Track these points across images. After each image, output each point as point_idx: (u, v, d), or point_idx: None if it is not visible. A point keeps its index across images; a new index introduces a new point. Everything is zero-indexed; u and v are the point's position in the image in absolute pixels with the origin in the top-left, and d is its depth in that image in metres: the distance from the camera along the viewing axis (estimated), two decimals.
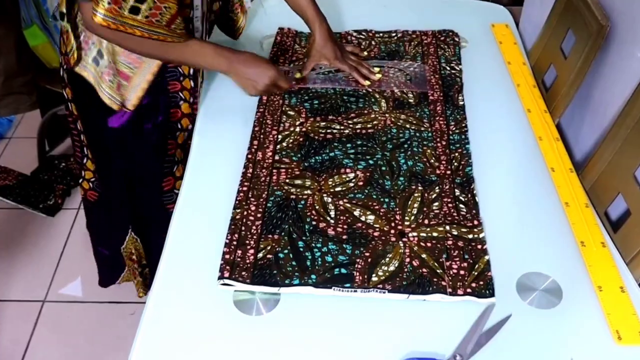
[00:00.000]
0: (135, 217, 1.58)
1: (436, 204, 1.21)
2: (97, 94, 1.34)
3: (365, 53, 1.62)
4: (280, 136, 1.37)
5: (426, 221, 1.17)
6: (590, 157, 1.28)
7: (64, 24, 1.26)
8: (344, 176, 1.27)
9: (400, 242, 1.13)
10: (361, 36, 1.70)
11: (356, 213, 1.19)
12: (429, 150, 1.33)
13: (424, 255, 1.11)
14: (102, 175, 1.56)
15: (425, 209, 1.20)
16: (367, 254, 1.11)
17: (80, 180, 1.61)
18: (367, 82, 1.50)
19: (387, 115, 1.43)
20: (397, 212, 1.19)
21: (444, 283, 1.06)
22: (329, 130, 1.38)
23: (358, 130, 1.39)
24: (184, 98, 1.42)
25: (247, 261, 1.10)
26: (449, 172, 1.28)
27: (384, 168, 1.29)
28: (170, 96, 1.40)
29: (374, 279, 1.07)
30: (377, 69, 1.54)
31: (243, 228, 1.16)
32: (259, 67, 1.34)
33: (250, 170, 1.28)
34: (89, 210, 1.69)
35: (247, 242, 1.14)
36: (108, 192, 1.59)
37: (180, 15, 1.18)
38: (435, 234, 1.15)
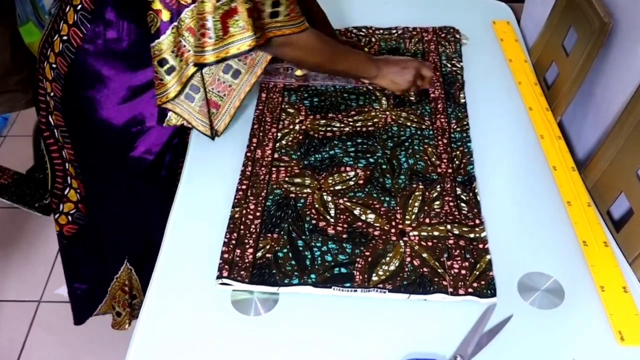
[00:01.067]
0: (133, 245, 1.55)
1: (437, 202, 1.21)
2: (103, 124, 1.31)
3: (366, 50, 1.62)
4: (279, 134, 1.37)
5: (427, 220, 1.17)
6: (593, 155, 1.28)
7: (162, 71, 1.20)
8: (344, 175, 1.27)
9: (400, 242, 1.13)
10: (361, 33, 1.70)
11: (356, 212, 1.19)
12: (430, 149, 1.33)
13: (424, 255, 1.11)
14: (91, 206, 1.52)
15: (426, 207, 1.20)
16: (368, 253, 1.11)
17: (57, 216, 1.55)
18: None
19: (387, 113, 1.43)
20: (398, 211, 1.19)
21: (445, 283, 1.06)
22: (328, 128, 1.38)
23: (358, 128, 1.39)
24: None
25: (246, 260, 1.10)
26: (450, 170, 1.28)
27: (384, 166, 1.29)
28: None
29: (374, 278, 1.07)
30: None
31: (242, 227, 1.16)
32: (400, 62, 1.44)
33: (249, 168, 1.28)
34: (66, 246, 1.62)
35: (246, 241, 1.14)
36: (98, 223, 1.55)
37: None
38: (436, 233, 1.15)
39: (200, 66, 1.17)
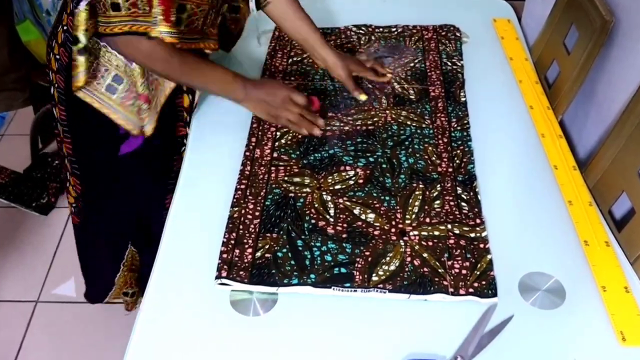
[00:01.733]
0: (134, 233, 1.58)
1: (438, 202, 1.21)
2: (102, 121, 1.31)
3: (364, 56, 1.62)
4: (278, 133, 1.37)
5: (427, 220, 1.17)
6: (594, 154, 1.28)
7: (74, 48, 1.20)
8: (343, 174, 1.27)
9: (401, 241, 1.14)
10: (361, 31, 1.70)
11: (356, 211, 1.19)
12: (430, 148, 1.33)
13: (425, 255, 1.11)
14: (89, 200, 1.53)
15: (426, 207, 1.20)
16: (367, 253, 1.11)
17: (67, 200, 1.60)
18: (386, 78, 1.51)
19: (387, 111, 1.43)
20: (398, 211, 1.19)
21: (445, 283, 1.06)
22: (328, 127, 1.38)
23: (358, 127, 1.39)
24: (186, 112, 1.42)
25: (245, 260, 1.10)
26: (450, 169, 1.28)
27: (384, 166, 1.29)
28: (177, 110, 1.41)
29: (374, 278, 1.07)
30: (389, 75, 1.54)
31: (241, 227, 1.16)
32: (270, 86, 1.36)
33: (248, 167, 1.28)
34: (77, 230, 1.66)
35: (245, 241, 1.14)
36: (98, 216, 1.57)
37: (210, 12, 1.19)
38: (436, 233, 1.15)
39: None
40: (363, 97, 1.43)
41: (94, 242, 1.64)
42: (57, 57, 1.27)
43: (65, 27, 1.23)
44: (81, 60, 1.21)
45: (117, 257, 1.63)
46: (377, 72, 1.52)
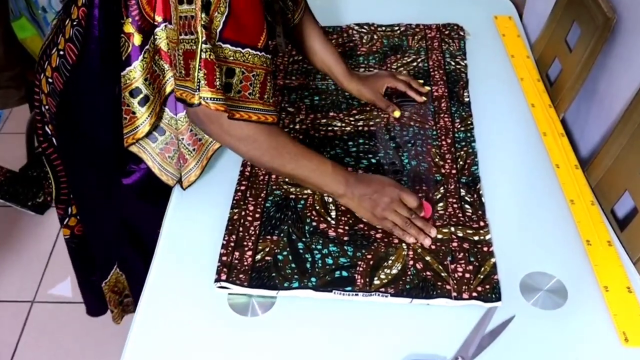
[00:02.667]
0: (122, 256, 1.52)
1: (441, 204, 1.21)
2: (99, 149, 1.27)
3: (367, 47, 1.63)
4: None
5: (430, 222, 1.18)
6: (597, 153, 1.29)
7: (134, 101, 1.12)
8: None
9: (403, 244, 1.14)
10: (363, 30, 1.70)
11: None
12: (433, 149, 1.33)
13: (427, 258, 1.11)
14: (84, 220, 1.50)
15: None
16: (369, 257, 1.12)
17: (66, 221, 1.52)
18: (423, 98, 1.47)
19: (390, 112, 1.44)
20: None
21: (448, 287, 1.07)
22: (329, 128, 1.38)
23: (360, 128, 1.39)
24: None
25: (245, 263, 1.11)
26: (454, 171, 1.28)
27: (386, 167, 1.29)
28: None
29: (376, 282, 1.08)
30: (420, 81, 1.51)
31: (241, 229, 1.17)
32: (377, 183, 1.19)
33: (248, 168, 1.29)
34: (79, 245, 1.58)
35: (245, 243, 1.14)
36: (88, 235, 1.53)
37: (268, 78, 1.05)
38: (439, 236, 1.15)
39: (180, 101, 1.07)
40: (397, 114, 1.41)
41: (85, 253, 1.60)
42: (50, 80, 1.23)
43: (61, 52, 1.18)
44: (142, 110, 1.13)
45: (103, 275, 1.61)
46: (411, 86, 1.48)
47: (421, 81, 1.51)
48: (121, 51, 1.08)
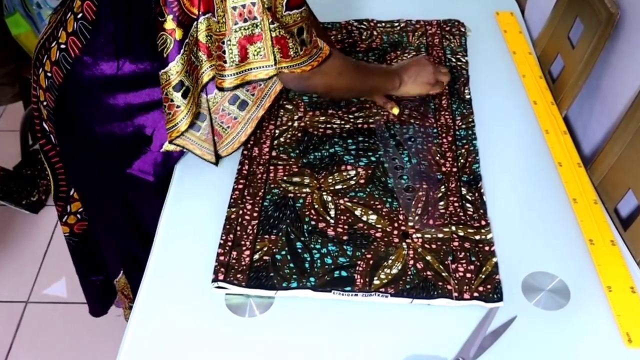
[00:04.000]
0: (126, 260, 1.53)
1: (442, 203, 1.21)
2: (95, 143, 1.28)
3: (367, 44, 1.63)
4: (277, 131, 1.37)
5: (431, 221, 1.18)
6: (600, 151, 1.28)
7: (178, 94, 1.14)
8: (344, 174, 1.27)
9: (403, 244, 1.14)
10: (362, 26, 1.70)
11: (357, 212, 1.20)
12: (434, 147, 1.33)
13: (428, 258, 1.11)
14: (90, 218, 1.51)
15: (430, 208, 1.21)
16: (369, 256, 1.12)
17: (65, 219, 1.53)
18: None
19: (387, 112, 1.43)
20: (401, 212, 1.20)
21: (449, 287, 1.07)
22: (328, 125, 1.38)
23: (359, 125, 1.39)
24: None
25: (243, 263, 1.11)
26: (455, 169, 1.28)
27: (386, 165, 1.29)
28: None
29: (376, 282, 1.07)
30: None
31: (238, 228, 1.17)
32: (413, 63, 1.44)
33: (246, 167, 1.29)
34: (79, 244, 1.60)
35: (243, 242, 1.14)
36: (94, 234, 1.54)
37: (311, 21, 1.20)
38: (440, 235, 1.15)
39: (219, 89, 1.16)
40: (395, 111, 1.42)
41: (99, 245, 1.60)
42: (49, 74, 1.23)
43: (63, 46, 1.19)
44: (185, 102, 1.15)
45: (114, 272, 1.60)
46: None
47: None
48: (162, 49, 1.10)
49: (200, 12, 1.09)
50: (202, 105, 1.22)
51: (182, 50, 1.10)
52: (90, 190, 1.41)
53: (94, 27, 1.16)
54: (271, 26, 1.07)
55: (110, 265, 1.57)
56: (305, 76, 1.18)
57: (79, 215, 1.52)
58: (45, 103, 1.28)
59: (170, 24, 1.08)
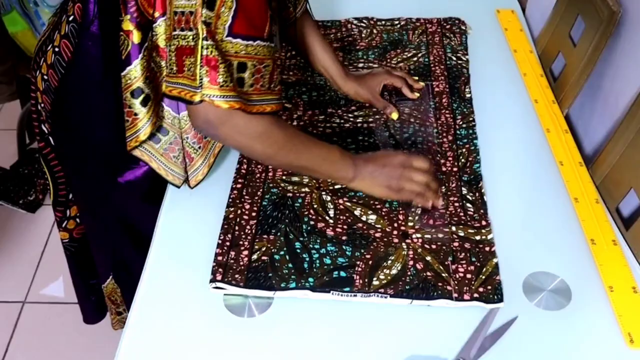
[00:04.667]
0: (117, 265, 1.51)
1: (442, 203, 1.21)
2: (90, 148, 1.26)
3: (367, 42, 1.62)
4: None
5: (431, 222, 1.18)
6: (601, 150, 1.29)
7: (136, 102, 1.09)
8: None
9: (403, 244, 1.14)
10: (362, 24, 1.70)
11: (357, 212, 1.19)
12: (434, 146, 1.33)
13: (428, 258, 1.11)
14: (84, 221, 1.50)
15: (430, 208, 1.20)
16: (368, 256, 1.12)
17: (64, 224, 1.51)
18: (415, 95, 1.46)
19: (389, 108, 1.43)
20: (400, 212, 1.19)
21: (449, 288, 1.07)
22: (328, 124, 1.38)
23: (359, 124, 1.39)
24: None
25: (241, 263, 1.11)
26: (455, 169, 1.28)
27: None
28: None
29: (375, 282, 1.07)
30: (415, 77, 1.50)
31: (237, 228, 1.17)
32: (382, 156, 1.20)
33: (245, 166, 1.29)
34: (78, 249, 1.57)
35: (241, 242, 1.14)
36: (91, 237, 1.52)
37: (275, 67, 1.04)
38: (440, 236, 1.15)
39: (165, 96, 1.07)
40: (394, 116, 1.38)
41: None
42: (45, 77, 1.22)
43: (57, 49, 1.17)
44: (144, 110, 1.10)
45: (102, 278, 1.59)
46: (407, 82, 1.47)
47: (416, 78, 1.50)
48: (121, 50, 1.06)
49: (158, 14, 1.04)
50: (167, 121, 1.16)
51: (140, 55, 1.06)
52: (84, 193, 1.40)
53: (81, 29, 1.13)
54: (204, 42, 0.94)
55: (101, 270, 1.56)
56: (234, 124, 1.02)
57: (78, 220, 1.51)
58: (42, 105, 1.28)
59: (127, 24, 1.04)
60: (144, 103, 1.09)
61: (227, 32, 0.94)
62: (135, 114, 1.10)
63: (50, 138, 1.34)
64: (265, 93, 1.02)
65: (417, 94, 1.46)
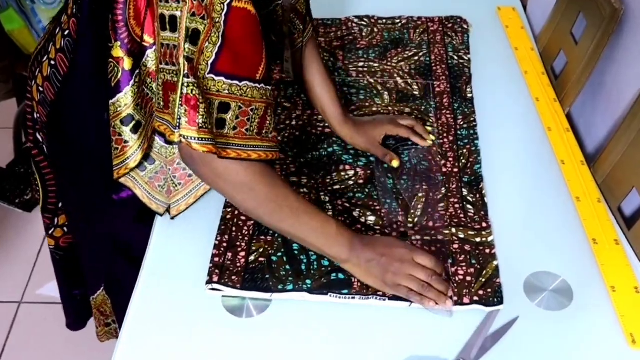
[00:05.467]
0: (110, 276, 1.48)
1: (442, 204, 1.21)
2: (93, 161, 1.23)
3: (367, 41, 1.62)
4: None
5: (431, 223, 1.18)
6: (603, 148, 1.29)
7: (126, 129, 1.06)
8: (342, 174, 1.27)
9: None
10: (363, 22, 1.69)
11: (355, 214, 1.19)
12: (434, 147, 1.33)
13: None
14: (73, 232, 1.48)
15: (430, 210, 1.20)
16: None
17: (51, 231, 1.49)
18: (428, 143, 1.35)
19: (390, 108, 1.43)
20: (400, 213, 1.19)
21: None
22: (327, 124, 1.37)
23: None
24: None
25: (238, 265, 1.10)
26: (456, 170, 1.28)
27: (385, 165, 1.29)
28: None
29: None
30: (429, 129, 1.38)
31: (234, 229, 1.17)
32: (384, 244, 1.09)
33: None
34: (63, 257, 1.55)
35: (238, 244, 1.14)
36: (80, 249, 1.50)
37: (269, 112, 0.98)
38: (440, 237, 1.15)
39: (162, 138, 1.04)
40: (395, 164, 1.28)
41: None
42: (41, 89, 1.20)
43: (52, 62, 1.15)
44: (134, 138, 1.07)
45: (91, 289, 1.59)
46: (415, 132, 1.36)
47: (429, 128, 1.38)
48: (110, 78, 1.03)
49: (152, 41, 1.00)
50: (155, 150, 1.13)
51: (132, 82, 1.02)
52: (79, 205, 1.38)
53: (77, 45, 1.11)
54: (184, 79, 0.90)
55: (90, 281, 1.55)
56: (214, 167, 0.97)
57: (65, 229, 1.50)
58: (38, 116, 1.26)
59: (118, 51, 1.01)
60: (134, 130, 1.07)
61: (210, 68, 0.90)
62: (126, 142, 1.07)
63: (45, 147, 1.34)
64: (251, 139, 0.96)
65: (429, 142, 1.35)
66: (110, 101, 1.04)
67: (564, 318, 1.05)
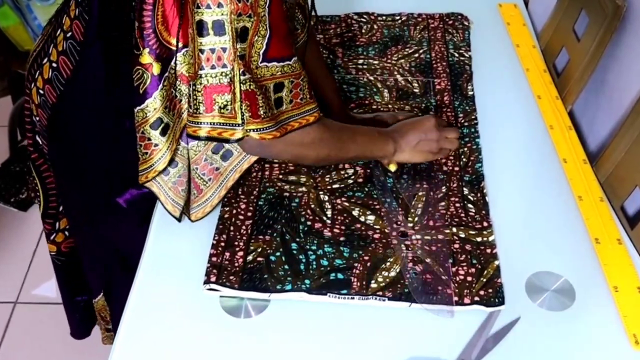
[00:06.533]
0: (110, 280, 1.50)
1: (442, 203, 1.21)
2: (86, 165, 1.25)
3: (367, 37, 1.62)
4: None
5: (431, 223, 1.17)
6: (606, 147, 1.28)
7: (155, 133, 1.07)
8: (342, 172, 1.27)
9: (402, 245, 1.13)
10: (362, 19, 1.69)
11: (355, 213, 1.19)
12: None
13: (428, 260, 1.11)
14: (74, 236, 1.49)
15: (430, 209, 1.20)
16: (366, 258, 1.11)
17: (53, 237, 1.49)
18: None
19: (390, 106, 1.43)
20: (400, 213, 1.19)
21: (449, 291, 1.06)
22: None
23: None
24: None
25: (236, 264, 1.10)
26: (457, 168, 1.28)
27: None
28: None
29: (373, 285, 1.07)
30: None
31: (232, 228, 1.16)
32: (412, 124, 1.28)
33: None
34: (65, 263, 1.55)
35: (236, 243, 1.14)
36: (81, 252, 1.51)
37: (307, 77, 1.07)
38: (440, 237, 1.15)
39: (192, 137, 1.06)
40: (392, 168, 1.28)
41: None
42: (41, 92, 1.20)
43: (54, 65, 1.15)
44: (163, 140, 1.08)
45: (93, 293, 1.57)
46: None
47: None
48: (138, 85, 1.04)
49: (180, 45, 1.01)
50: (178, 153, 1.14)
51: (160, 85, 1.04)
52: (81, 209, 1.38)
53: (83, 48, 1.11)
54: (242, 77, 0.96)
55: (93, 285, 1.55)
56: (283, 140, 1.06)
57: (66, 232, 1.50)
58: (37, 119, 1.26)
59: (146, 57, 1.02)
60: (162, 132, 1.08)
61: (262, 58, 0.98)
62: (156, 145, 1.09)
63: (44, 150, 1.33)
64: (305, 104, 1.06)
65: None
66: (138, 108, 1.06)
67: (566, 318, 1.05)
